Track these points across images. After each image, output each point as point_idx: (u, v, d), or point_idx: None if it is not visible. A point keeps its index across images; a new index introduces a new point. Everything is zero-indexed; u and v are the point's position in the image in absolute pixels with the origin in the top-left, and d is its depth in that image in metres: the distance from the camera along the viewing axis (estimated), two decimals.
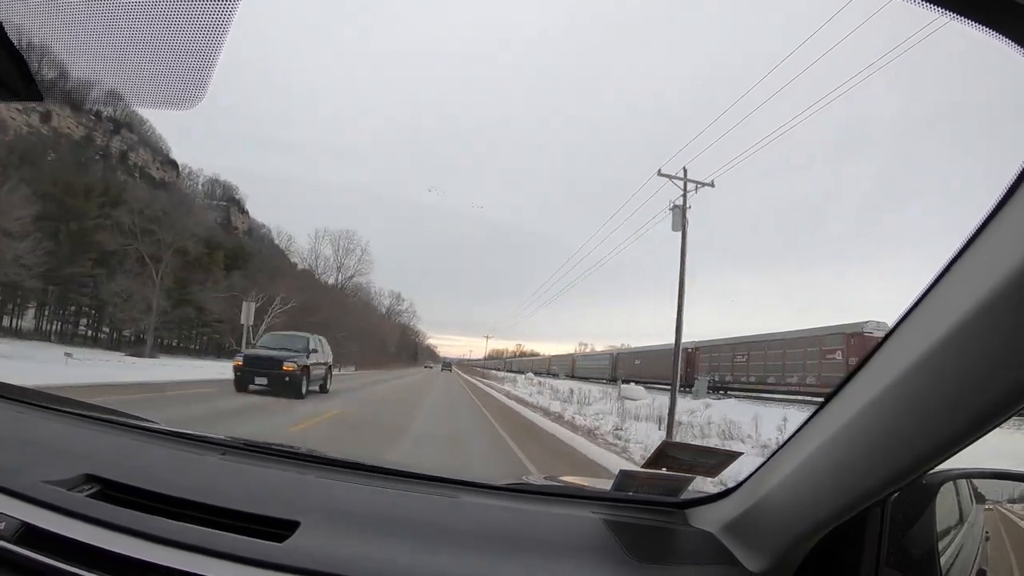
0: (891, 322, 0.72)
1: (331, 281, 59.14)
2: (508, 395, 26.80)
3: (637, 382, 28.87)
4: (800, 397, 19.99)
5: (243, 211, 67.36)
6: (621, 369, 37.63)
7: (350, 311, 54.07)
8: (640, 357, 35.95)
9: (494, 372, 66.89)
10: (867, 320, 19.51)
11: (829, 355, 20.34)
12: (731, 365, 25.66)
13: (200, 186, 64.70)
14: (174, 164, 61.02)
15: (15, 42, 0.75)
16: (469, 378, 49.73)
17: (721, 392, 24.69)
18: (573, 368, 50.03)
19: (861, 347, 18.77)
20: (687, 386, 27.35)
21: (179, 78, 0.78)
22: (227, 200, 66.15)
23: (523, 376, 49.70)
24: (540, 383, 36.89)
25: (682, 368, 28.71)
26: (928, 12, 0.61)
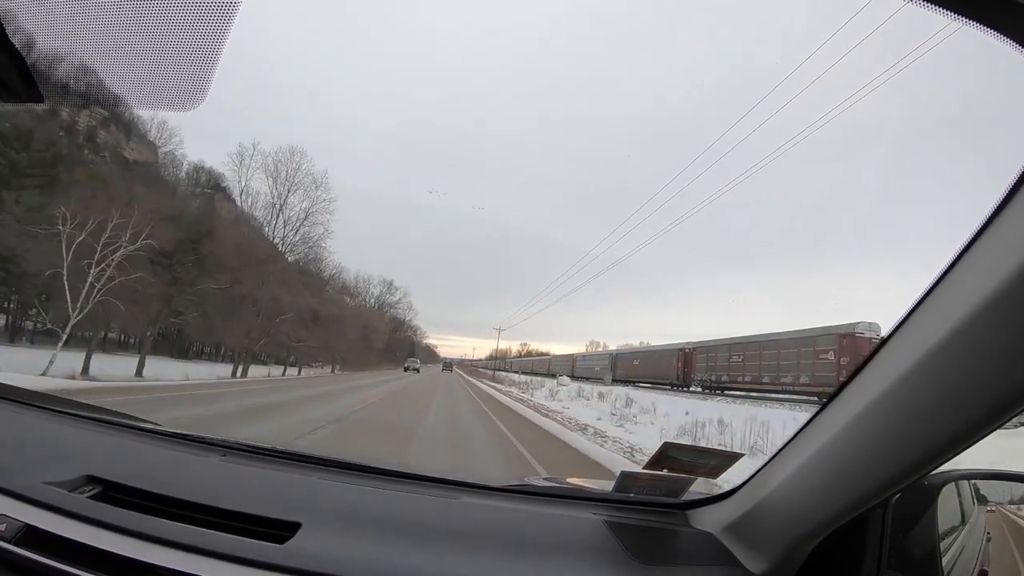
0: (889, 323, 0.71)
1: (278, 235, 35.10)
2: (570, 424, 13.08)
3: (636, 382, 28.76)
4: (799, 396, 19.93)
5: (230, 199, 44.86)
6: (620, 369, 37.52)
7: (304, 284, 33.72)
8: (639, 357, 35.87)
9: (507, 375, 51.54)
10: (859, 321, 19.50)
11: (822, 355, 20.33)
12: (727, 365, 25.60)
13: (184, 173, 45.37)
14: (151, 145, 45.56)
15: (16, 44, 0.73)
16: (477, 383, 35.79)
17: (718, 392, 24.63)
18: (573, 368, 49.69)
19: (853, 347, 18.81)
20: (685, 386, 27.33)
21: (180, 79, 0.76)
22: (212, 188, 46.24)
23: (554, 381, 34.36)
24: (601, 395, 22.33)
25: (679, 368, 28.82)
26: (928, 13, 0.59)
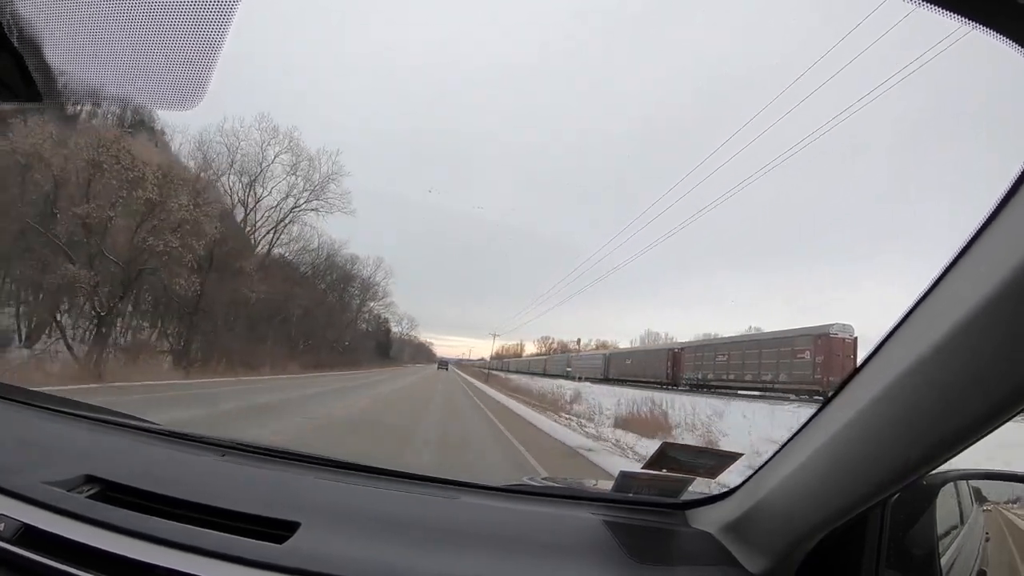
0: (889, 323, 0.65)
1: None
2: None
3: (629, 381, 28.69)
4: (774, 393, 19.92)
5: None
6: (613, 369, 37.34)
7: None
8: (631, 358, 35.72)
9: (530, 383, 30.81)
10: (833, 323, 19.56)
11: (799, 355, 20.36)
12: (713, 364, 25.56)
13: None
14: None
15: (15, 42, 0.67)
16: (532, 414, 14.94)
17: (705, 389, 24.56)
18: (569, 367, 49.31)
19: (827, 348, 18.93)
20: (674, 384, 27.30)
21: (179, 78, 0.70)
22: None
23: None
24: None
25: (668, 367, 28.76)
26: (927, 13, 0.55)
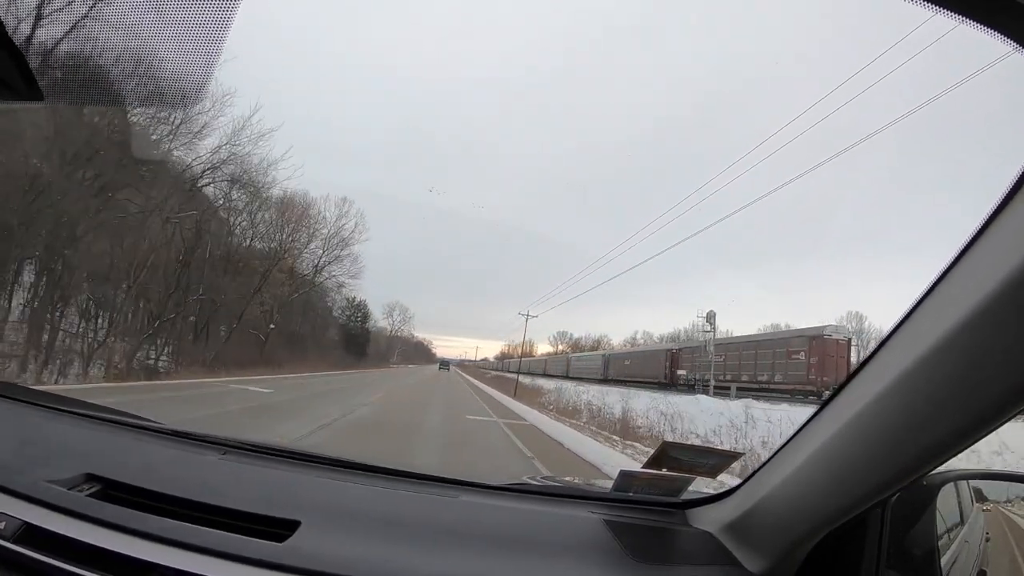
0: (888, 324, 0.65)
1: None
2: None
3: (627, 381, 28.62)
4: (770, 393, 19.91)
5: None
6: (612, 369, 37.20)
7: None
8: (629, 358, 35.63)
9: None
10: (827, 324, 19.60)
11: (794, 356, 20.38)
12: (710, 364, 25.53)
13: None
14: None
15: (16, 42, 0.66)
16: None
17: (702, 390, 24.52)
18: (568, 368, 48.89)
19: (821, 349, 18.97)
20: (671, 384, 27.27)
21: (180, 78, 0.69)
22: None
23: None
24: None
25: (666, 368, 28.73)
26: (928, 13, 0.54)
